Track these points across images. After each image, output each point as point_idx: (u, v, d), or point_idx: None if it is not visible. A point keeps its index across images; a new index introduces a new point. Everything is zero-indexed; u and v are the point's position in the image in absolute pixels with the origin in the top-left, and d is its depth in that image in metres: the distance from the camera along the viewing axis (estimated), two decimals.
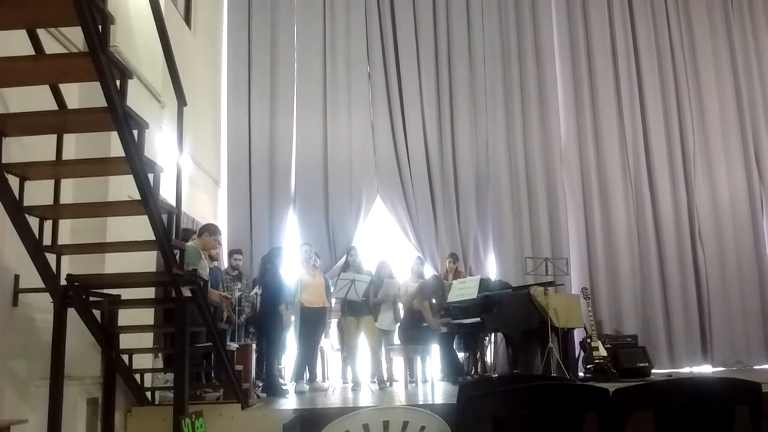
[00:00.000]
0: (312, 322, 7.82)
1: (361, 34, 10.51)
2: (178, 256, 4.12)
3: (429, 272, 9.62)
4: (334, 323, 8.84)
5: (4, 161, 3.64)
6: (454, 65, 10.65)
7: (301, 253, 8.22)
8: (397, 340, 8.31)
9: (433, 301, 8.75)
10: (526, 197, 10.44)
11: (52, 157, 3.96)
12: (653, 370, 8.67)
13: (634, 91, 10.93)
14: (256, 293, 7.78)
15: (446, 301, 8.33)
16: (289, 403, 6.48)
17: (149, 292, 5.25)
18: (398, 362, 8.18)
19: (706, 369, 10.01)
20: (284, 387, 7.73)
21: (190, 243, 6.14)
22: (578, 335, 8.81)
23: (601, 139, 10.75)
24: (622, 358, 8.36)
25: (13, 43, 3.64)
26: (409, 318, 8.07)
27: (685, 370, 9.90)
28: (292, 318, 8.01)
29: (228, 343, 6.37)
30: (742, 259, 10.49)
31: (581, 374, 8.31)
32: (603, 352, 8.12)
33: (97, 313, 4.62)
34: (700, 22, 11.33)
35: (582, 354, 8.47)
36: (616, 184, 10.60)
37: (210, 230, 6.69)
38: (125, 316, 4.90)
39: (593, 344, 8.17)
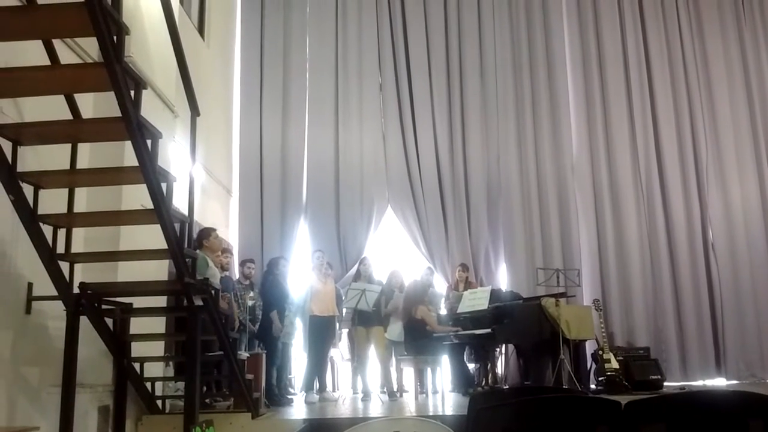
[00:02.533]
0: (321, 332, 7.82)
1: (373, 46, 10.56)
2: (190, 265, 4.14)
3: (439, 282, 9.63)
4: (344, 333, 8.84)
5: (19, 170, 3.67)
6: (465, 76, 10.67)
7: (314, 259, 8.27)
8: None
9: (443, 311, 8.76)
10: (538, 208, 10.42)
11: (67, 166, 3.99)
12: (666, 383, 8.62)
13: (645, 101, 10.90)
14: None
15: (432, 290, 8.25)
16: (299, 412, 6.48)
17: (161, 301, 5.27)
18: (408, 373, 8.16)
19: (719, 382, 9.91)
20: (290, 396, 7.74)
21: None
22: (590, 347, 8.77)
23: (612, 150, 10.72)
24: (634, 371, 8.31)
25: (30, 53, 3.68)
26: (412, 328, 7.97)
27: (698, 382, 9.80)
28: (299, 326, 8.02)
29: (239, 352, 6.37)
30: (756, 271, 10.40)
31: (593, 386, 8.27)
32: (615, 364, 8.07)
33: (109, 321, 4.64)
34: (711, 32, 11.30)
35: (594, 366, 8.42)
36: (628, 194, 10.55)
37: (206, 234, 6.44)
38: (137, 325, 4.92)
39: (605, 356, 8.11)
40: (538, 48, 10.91)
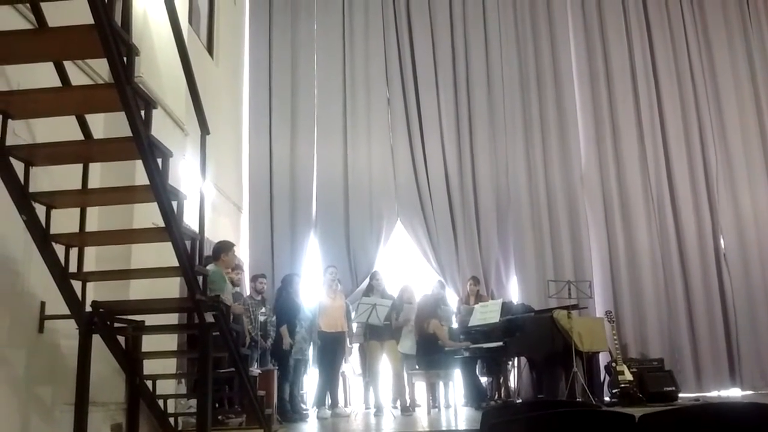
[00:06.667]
0: (331, 347, 7.81)
1: (380, 61, 10.60)
2: (201, 282, 4.15)
3: (450, 296, 9.60)
4: (356, 348, 8.81)
5: (31, 190, 3.70)
6: (472, 90, 10.70)
7: (326, 275, 8.25)
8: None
9: (454, 325, 8.73)
10: (548, 220, 10.40)
11: (78, 185, 4.02)
12: (680, 395, 8.55)
13: (654, 112, 10.89)
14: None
15: (445, 308, 8.25)
16: (311, 428, 6.46)
17: (173, 318, 5.28)
18: (420, 387, 8.12)
19: (734, 393, 9.81)
20: (305, 412, 7.73)
21: (211, 266, 6.15)
22: (603, 359, 8.70)
23: (622, 161, 10.70)
24: (648, 383, 8.25)
25: (41, 75, 3.73)
26: (424, 342, 7.92)
27: (713, 394, 9.71)
28: (311, 342, 8.01)
29: (250, 368, 6.37)
30: None
31: (607, 399, 8.21)
32: (629, 376, 8.02)
33: (121, 339, 4.65)
34: (718, 42, 11.29)
35: (607, 378, 8.36)
36: (639, 205, 10.52)
37: (225, 248, 6.46)
38: (149, 342, 4.93)
39: (618, 368, 8.06)
40: (545, 61, 10.93)
